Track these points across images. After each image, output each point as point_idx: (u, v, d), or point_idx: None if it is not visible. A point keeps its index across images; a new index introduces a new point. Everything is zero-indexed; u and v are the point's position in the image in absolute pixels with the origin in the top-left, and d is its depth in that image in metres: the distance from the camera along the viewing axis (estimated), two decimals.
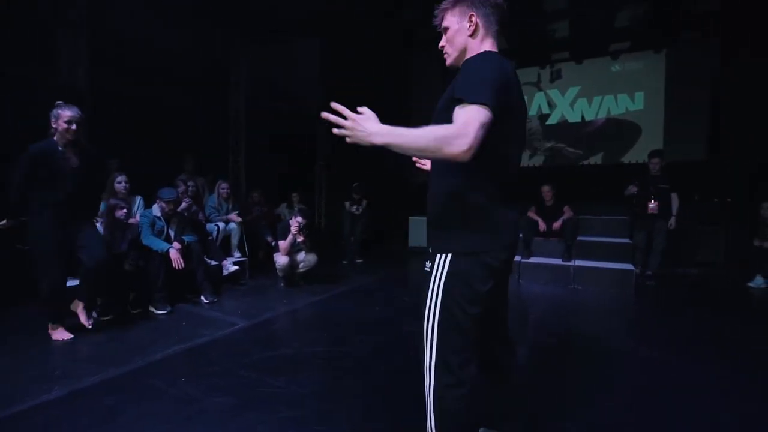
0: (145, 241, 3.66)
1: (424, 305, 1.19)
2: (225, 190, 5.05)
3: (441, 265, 1.17)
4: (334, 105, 1.11)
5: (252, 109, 6.80)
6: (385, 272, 5.64)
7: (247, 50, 6.78)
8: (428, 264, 1.23)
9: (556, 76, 10.00)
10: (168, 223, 3.92)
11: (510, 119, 1.16)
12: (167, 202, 3.83)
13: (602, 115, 9.58)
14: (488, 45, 1.27)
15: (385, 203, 7.74)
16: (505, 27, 1.32)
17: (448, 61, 1.34)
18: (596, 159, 9.64)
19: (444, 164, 1.19)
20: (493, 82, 1.07)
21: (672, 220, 4.52)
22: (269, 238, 5.53)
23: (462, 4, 1.27)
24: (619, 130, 9.39)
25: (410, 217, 7.59)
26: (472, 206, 1.17)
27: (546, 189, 5.20)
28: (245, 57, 6.79)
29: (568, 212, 4.97)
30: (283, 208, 6.37)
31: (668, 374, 2.45)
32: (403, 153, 1.06)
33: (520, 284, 4.97)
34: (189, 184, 4.82)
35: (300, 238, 4.42)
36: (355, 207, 6.26)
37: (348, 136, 1.08)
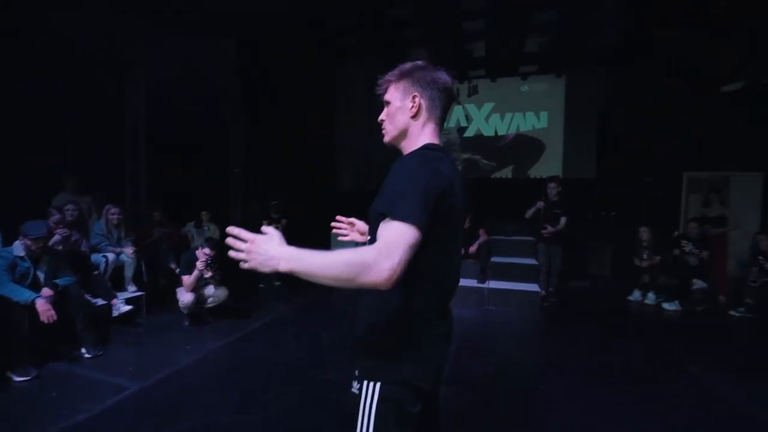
0: (0, 291, 2.98)
1: (355, 428, 1.10)
2: (115, 216, 4.36)
3: (371, 393, 1.09)
4: (230, 229, 0.97)
5: (154, 111, 5.98)
6: (304, 297, 5.41)
7: (151, 43, 5.94)
8: (356, 385, 1.14)
9: (473, 92, 10.49)
10: (36, 263, 3.25)
11: (449, 224, 1.06)
12: (34, 240, 3.17)
13: (513, 131, 10.30)
14: (429, 131, 1.16)
15: (309, 215, 7.44)
16: (449, 111, 1.21)
17: (386, 139, 1.22)
18: (507, 172, 10.34)
19: None
20: (426, 193, 0.96)
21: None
22: (173, 265, 4.95)
23: (407, 80, 1.15)
24: (527, 146, 10.18)
25: (333, 232, 7.39)
26: (405, 328, 1.08)
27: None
28: (148, 51, 5.94)
29: (483, 235, 5.20)
30: (190, 228, 5.74)
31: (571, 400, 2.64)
32: (313, 281, 0.91)
33: None
34: (68, 207, 4.08)
35: (207, 274, 3.99)
36: (274, 228, 5.84)
37: (245, 261, 0.93)
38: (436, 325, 1.12)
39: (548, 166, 9.99)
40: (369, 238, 1.17)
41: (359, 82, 9.48)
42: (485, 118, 10.45)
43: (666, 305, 4.83)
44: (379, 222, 0.98)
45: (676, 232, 5.44)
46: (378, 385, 1.07)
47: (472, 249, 5.13)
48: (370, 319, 1.12)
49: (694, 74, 7.09)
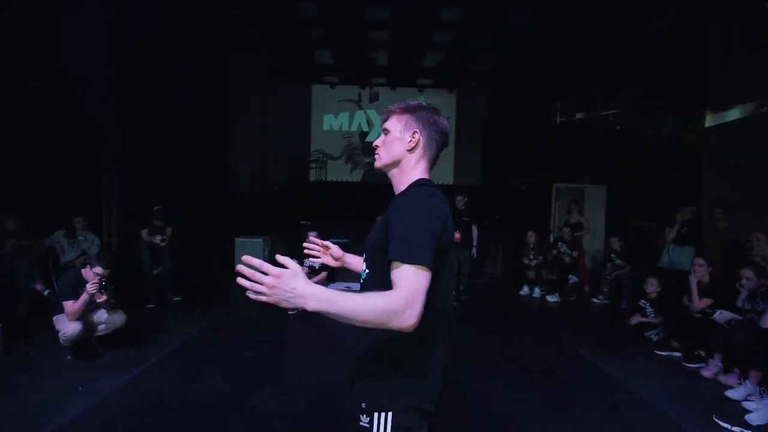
0: None
1: None
2: None
3: (383, 423, 1.10)
4: (247, 258, 0.91)
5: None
6: (214, 313, 4.90)
7: None
8: (364, 419, 1.13)
9: (374, 98, 10.79)
10: None
11: (447, 256, 1.12)
12: None
13: None
14: (422, 168, 1.21)
15: (200, 221, 6.69)
16: (439, 155, 1.26)
17: (378, 164, 1.25)
18: None
19: None
20: (433, 234, 1.02)
21: (474, 251, 5.53)
22: (38, 286, 3.99)
23: (411, 115, 1.20)
24: None
25: (237, 239, 6.81)
26: (414, 356, 1.12)
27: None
28: None
29: None
30: (60, 239, 4.66)
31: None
32: (338, 320, 0.92)
33: None
34: None
35: (101, 298, 3.32)
36: (159, 237, 5.10)
37: (267, 297, 0.88)
38: (440, 350, 1.18)
39: (442, 173, 10.87)
40: (366, 270, 1.19)
41: (258, 76, 8.92)
42: None
43: (549, 297, 5.76)
44: (382, 258, 1.03)
45: (552, 236, 6.51)
46: (390, 414, 1.10)
47: None
48: (376, 351, 1.14)
49: (560, 100, 8.56)
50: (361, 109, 10.86)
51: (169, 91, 6.56)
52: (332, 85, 10.54)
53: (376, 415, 1.10)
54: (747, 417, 2.62)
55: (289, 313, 4.91)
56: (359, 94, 10.82)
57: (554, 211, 7.62)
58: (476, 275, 6.49)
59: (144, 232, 5.05)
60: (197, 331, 4.28)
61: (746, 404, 2.88)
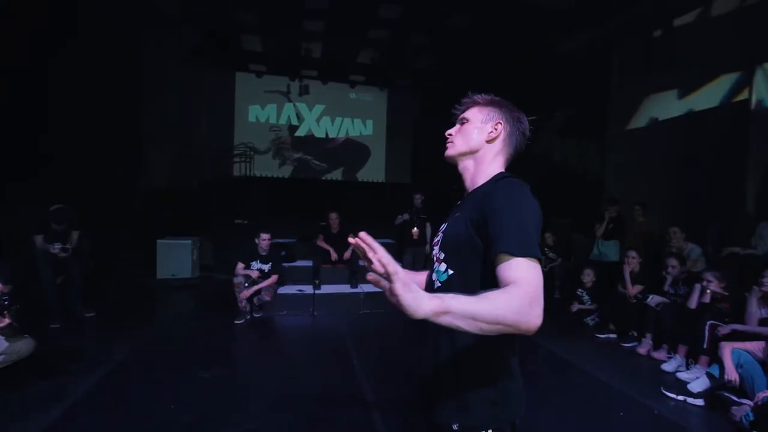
0: None
1: None
2: None
3: None
4: (365, 238, 0.83)
5: None
6: (141, 330, 4.18)
7: None
8: None
9: (304, 91, 10.33)
10: None
11: None
12: None
13: (342, 135, 10.68)
14: (500, 161, 1.14)
15: (108, 221, 5.66)
16: (516, 155, 1.19)
17: (450, 152, 1.17)
18: (337, 174, 10.67)
19: None
20: (537, 232, 0.96)
21: (427, 247, 5.59)
22: None
23: (495, 107, 1.14)
24: (355, 150, 10.78)
25: (160, 241, 5.91)
26: (504, 364, 1.04)
27: (333, 216, 5.28)
28: None
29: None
30: None
31: None
32: (456, 328, 0.79)
33: (315, 316, 4.86)
34: None
35: (3, 322, 2.57)
36: (58, 247, 4.14)
37: (396, 298, 0.75)
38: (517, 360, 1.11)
39: (373, 170, 10.87)
40: (448, 272, 1.05)
41: (175, 58, 7.90)
42: (316, 119, 10.47)
43: None
44: (473, 256, 0.98)
45: None
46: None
47: (347, 255, 5.11)
48: (466, 362, 1.03)
49: None
50: (290, 101, 10.31)
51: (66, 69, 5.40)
52: (258, 74, 9.82)
53: None
54: (689, 386, 3.03)
55: (236, 322, 4.43)
56: (288, 86, 10.26)
57: None
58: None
59: (38, 239, 4.08)
60: (127, 352, 3.59)
61: (680, 375, 3.34)
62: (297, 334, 4.40)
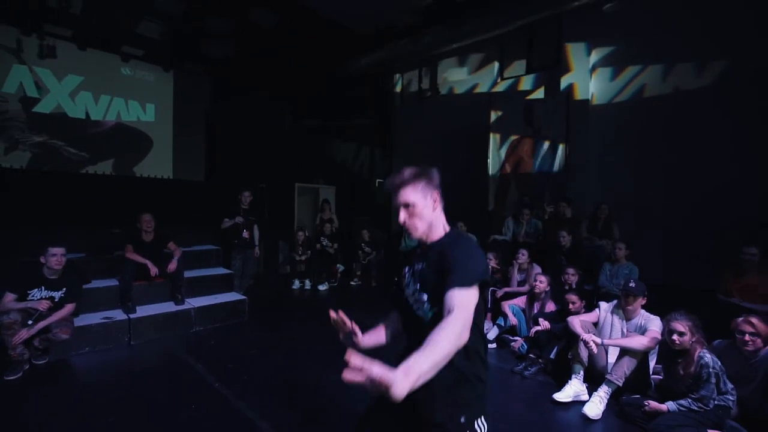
0: None
1: None
2: None
3: (483, 428, 1.34)
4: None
5: None
6: None
7: None
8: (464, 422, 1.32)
9: (49, 53, 7.78)
10: None
11: (487, 286, 1.44)
12: None
13: (112, 118, 8.62)
14: (443, 217, 1.46)
15: None
16: None
17: (416, 234, 1.41)
18: (106, 167, 8.56)
19: None
20: (481, 267, 1.30)
21: (256, 249, 5.35)
22: None
23: (421, 181, 1.39)
24: (131, 139, 8.89)
25: None
26: (481, 366, 1.37)
27: (147, 218, 4.32)
28: None
29: (177, 250, 4.45)
30: None
31: None
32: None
33: (134, 347, 3.91)
34: None
35: None
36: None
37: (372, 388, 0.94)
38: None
39: (157, 164, 9.26)
40: (433, 310, 1.32)
41: None
42: (70, 94, 8.05)
43: (320, 287, 6.37)
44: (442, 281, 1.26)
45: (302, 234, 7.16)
46: (482, 417, 1.35)
47: (172, 267, 4.28)
48: (459, 371, 1.30)
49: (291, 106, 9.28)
50: (23, 63, 7.54)
51: None
52: None
53: (476, 423, 1.31)
54: (487, 335, 4.26)
55: (8, 378, 3.11)
56: (19, 42, 7.46)
57: (296, 207, 8.30)
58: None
59: None
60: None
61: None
62: (117, 372, 3.43)
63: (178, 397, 3.00)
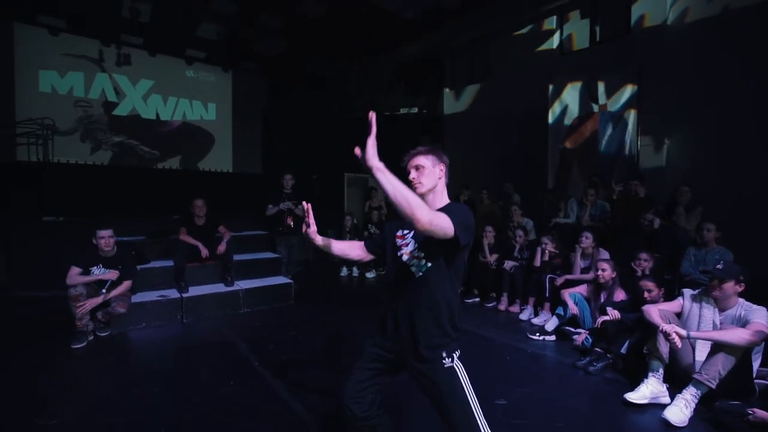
0: None
1: (459, 393, 1.53)
2: None
3: (456, 360, 1.56)
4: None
5: None
6: None
7: None
8: (447, 361, 1.54)
9: (124, 61, 8.51)
10: None
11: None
12: None
13: (178, 118, 9.25)
14: (446, 191, 1.67)
15: None
16: None
17: (420, 190, 1.59)
18: (174, 163, 9.19)
19: (440, 279, 1.54)
20: (471, 222, 1.52)
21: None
22: None
23: (434, 155, 1.63)
24: (195, 136, 9.47)
25: None
26: (458, 308, 1.60)
27: (199, 204, 4.50)
28: None
29: (226, 233, 4.59)
30: None
31: None
32: (379, 187, 1.28)
33: (186, 324, 4.08)
34: None
35: None
36: None
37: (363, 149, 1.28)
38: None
39: (218, 159, 9.78)
40: (428, 264, 1.55)
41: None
42: (143, 97, 8.75)
43: (368, 274, 6.29)
44: (443, 247, 1.47)
45: (350, 220, 7.07)
46: (457, 351, 1.57)
47: (221, 249, 4.42)
48: (443, 312, 1.55)
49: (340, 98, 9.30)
50: (104, 71, 8.31)
51: None
52: (53, 31, 7.57)
53: (454, 355, 1.55)
54: (546, 327, 3.84)
55: (75, 346, 3.36)
56: (101, 52, 8.23)
57: (346, 197, 8.30)
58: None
59: None
60: None
61: (534, 321, 4.20)
62: (168, 347, 3.59)
63: (220, 373, 3.03)
